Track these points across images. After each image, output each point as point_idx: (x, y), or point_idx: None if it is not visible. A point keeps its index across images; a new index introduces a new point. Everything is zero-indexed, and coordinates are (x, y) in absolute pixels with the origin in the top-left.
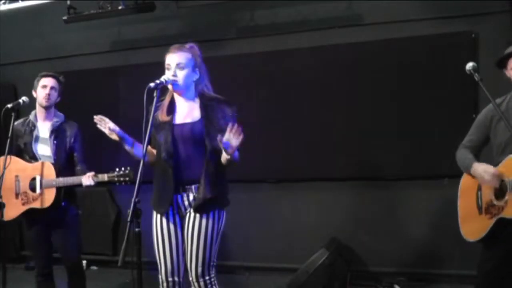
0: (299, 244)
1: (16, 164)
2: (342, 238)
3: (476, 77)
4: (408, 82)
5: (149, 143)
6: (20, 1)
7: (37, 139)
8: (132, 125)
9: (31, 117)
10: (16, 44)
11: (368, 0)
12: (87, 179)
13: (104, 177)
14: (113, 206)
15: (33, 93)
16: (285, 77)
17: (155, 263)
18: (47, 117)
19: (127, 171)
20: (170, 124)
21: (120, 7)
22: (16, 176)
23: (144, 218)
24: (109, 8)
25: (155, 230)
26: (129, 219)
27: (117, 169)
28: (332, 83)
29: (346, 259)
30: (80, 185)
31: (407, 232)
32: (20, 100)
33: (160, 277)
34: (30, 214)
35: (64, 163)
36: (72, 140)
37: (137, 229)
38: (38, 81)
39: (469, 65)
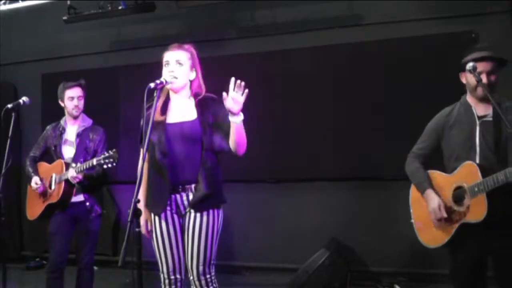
0: (299, 244)
1: (41, 168)
2: (342, 238)
3: (476, 77)
4: (408, 82)
5: (149, 144)
6: (20, 1)
7: (65, 142)
8: (132, 125)
9: (62, 121)
10: (16, 44)
11: (368, 0)
12: (71, 171)
13: (93, 161)
14: (113, 206)
15: (60, 102)
16: (285, 77)
17: (155, 263)
18: (75, 122)
19: (112, 153)
20: (164, 124)
21: (120, 7)
22: (42, 179)
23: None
24: (109, 8)
25: (154, 229)
26: (129, 219)
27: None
28: (332, 83)
29: (346, 259)
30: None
31: (407, 232)
32: (20, 100)
33: (161, 275)
34: (52, 210)
35: None
36: (96, 144)
37: (137, 229)
38: (63, 92)
39: (469, 65)
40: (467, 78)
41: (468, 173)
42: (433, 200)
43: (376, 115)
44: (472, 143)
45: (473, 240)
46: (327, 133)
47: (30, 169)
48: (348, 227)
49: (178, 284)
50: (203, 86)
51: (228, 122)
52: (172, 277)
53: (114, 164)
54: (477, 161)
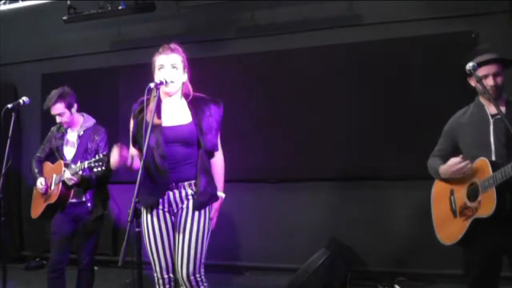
0: (299, 244)
1: (46, 168)
2: (342, 238)
3: (476, 77)
4: (408, 82)
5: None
6: (20, 1)
7: (66, 143)
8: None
9: None
10: (16, 44)
11: (368, 0)
12: (66, 172)
13: (85, 164)
14: (113, 206)
15: None
16: (285, 77)
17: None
18: (75, 125)
19: (101, 156)
20: (160, 127)
21: (120, 7)
22: (45, 179)
23: None
24: (109, 8)
25: (147, 229)
26: (129, 219)
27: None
28: (332, 83)
29: (346, 259)
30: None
31: (407, 232)
32: (20, 100)
33: (155, 274)
34: (52, 210)
35: None
36: (97, 144)
37: (137, 229)
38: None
39: (469, 65)
40: (476, 82)
41: (480, 169)
42: (445, 165)
43: (376, 115)
44: (487, 142)
45: (485, 237)
46: (327, 133)
47: (36, 170)
48: (348, 227)
49: (172, 284)
50: (190, 86)
51: (218, 125)
52: (166, 276)
53: (103, 167)
54: (493, 158)
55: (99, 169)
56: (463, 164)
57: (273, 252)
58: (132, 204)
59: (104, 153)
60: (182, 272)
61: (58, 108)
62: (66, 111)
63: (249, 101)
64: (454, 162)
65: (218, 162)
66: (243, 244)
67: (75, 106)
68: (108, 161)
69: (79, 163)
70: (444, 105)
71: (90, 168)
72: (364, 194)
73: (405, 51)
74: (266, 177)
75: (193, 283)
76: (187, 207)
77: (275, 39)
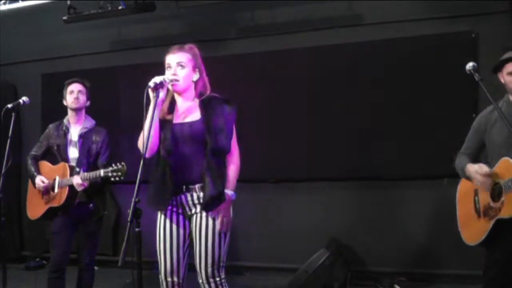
0: (299, 244)
1: (44, 168)
2: (342, 238)
3: (476, 77)
4: (408, 82)
5: (158, 139)
6: (20, 1)
7: (70, 142)
8: (132, 125)
9: (65, 121)
10: (16, 44)
11: (368, 0)
12: (76, 178)
13: (100, 173)
14: (113, 206)
15: (64, 102)
16: (285, 77)
17: (155, 262)
18: (78, 122)
19: (120, 166)
20: (171, 123)
21: (120, 7)
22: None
23: (144, 218)
24: (109, 8)
25: (158, 230)
26: (129, 219)
27: (112, 166)
28: (332, 83)
29: (346, 259)
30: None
31: (407, 232)
32: (20, 100)
33: (160, 276)
34: (54, 212)
35: (88, 167)
36: (99, 146)
37: (137, 229)
38: (66, 89)
39: (469, 65)
40: (504, 78)
41: (504, 169)
42: (473, 166)
43: (376, 115)
44: None
45: (508, 238)
46: (327, 133)
47: (32, 168)
48: (348, 227)
49: (176, 287)
50: (208, 86)
51: (232, 126)
52: (169, 279)
53: (122, 178)
54: None
55: (117, 179)
56: (487, 180)
57: (273, 252)
58: (132, 204)
59: (123, 163)
60: (202, 275)
61: (79, 86)
62: (86, 94)
63: (249, 101)
64: (483, 172)
65: (230, 163)
66: (243, 244)
67: (89, 101)
68: (126, 171)
69: (95, 172)
70: (444, 105)
71: (107, 178)
72: (364, 194)
73: (405, 51)
74: (266, 177)
75: (213, 285)
76: (201, 212)
77: (275, 39)
